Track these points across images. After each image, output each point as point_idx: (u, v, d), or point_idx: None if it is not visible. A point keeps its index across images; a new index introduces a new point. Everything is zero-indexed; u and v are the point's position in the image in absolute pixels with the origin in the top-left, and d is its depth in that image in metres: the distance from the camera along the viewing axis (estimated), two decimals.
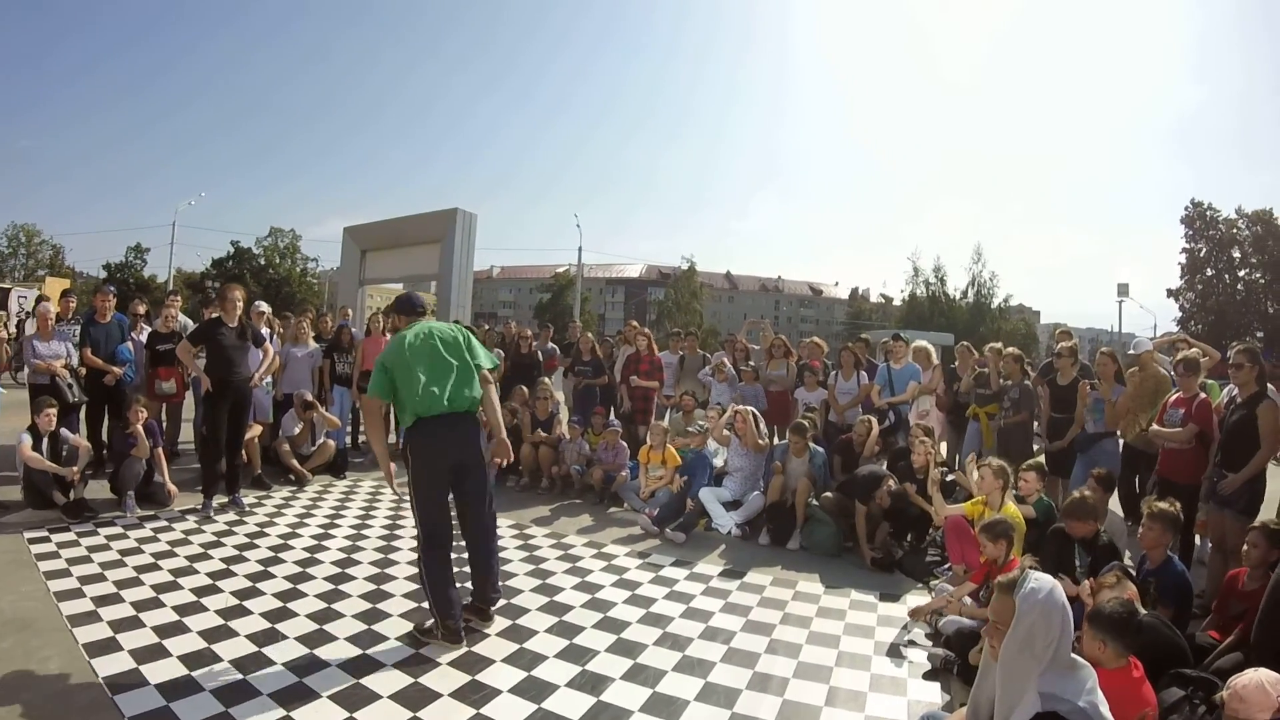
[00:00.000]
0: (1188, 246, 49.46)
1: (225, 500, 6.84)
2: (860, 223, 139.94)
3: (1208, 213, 48.87)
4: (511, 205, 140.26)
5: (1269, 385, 5.36)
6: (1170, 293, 50.19)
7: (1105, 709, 2.50)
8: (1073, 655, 2.60)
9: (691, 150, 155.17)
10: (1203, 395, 5.85)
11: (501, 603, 4.85)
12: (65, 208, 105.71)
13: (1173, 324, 47.54)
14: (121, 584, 4.86)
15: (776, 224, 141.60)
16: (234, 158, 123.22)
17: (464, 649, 4.21)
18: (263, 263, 55.85)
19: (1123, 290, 46.24)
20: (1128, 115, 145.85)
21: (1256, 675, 2.78)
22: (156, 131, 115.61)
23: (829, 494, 6.74)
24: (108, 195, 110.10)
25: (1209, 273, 48.65)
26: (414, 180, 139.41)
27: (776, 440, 8.22)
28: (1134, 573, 4.33)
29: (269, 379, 8.58)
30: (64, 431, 6.64)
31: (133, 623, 4.30)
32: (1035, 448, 7.71)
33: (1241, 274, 48.21)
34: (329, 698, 3.63)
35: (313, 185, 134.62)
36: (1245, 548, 4.28)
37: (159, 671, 3.75)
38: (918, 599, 5.32)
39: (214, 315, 7.09)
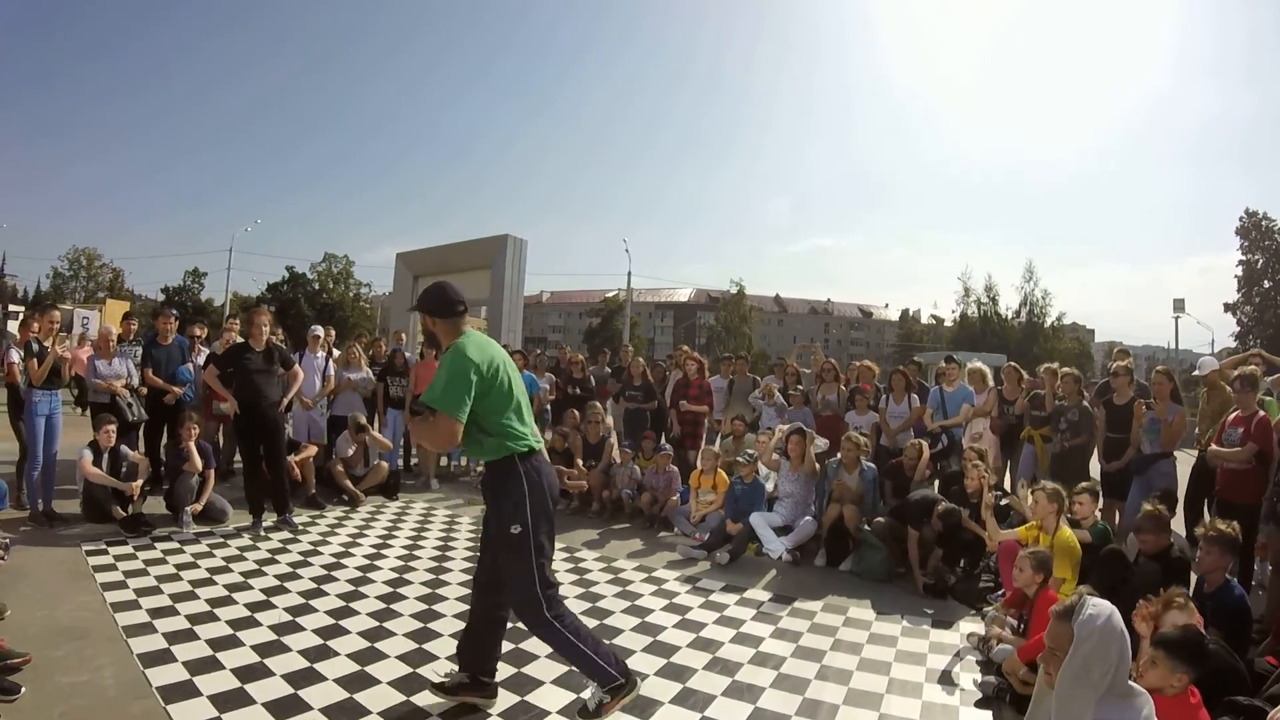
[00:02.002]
0: (1244, 258, 47.82)
1: (276, 519, 6.95)
2: (909, 241, 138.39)
3: (1263, 223, 47.24)
4: (558, 228, 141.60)
5: None
6: (1227, 307, 48.47)
7: None
8: (1130, 683, 2.52)
9: (736, 173, 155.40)
10: (1261, 413, 5.66)
11: None
12: (117, 228, 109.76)
13: (1231, 339, 45.91)
14: (177, 597, 4.95)
15: (825, 247, 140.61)
16: (287, 184, 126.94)
17: (515, 670, 4.19)
18: (317, 287, 57.00)
19: (1178, 306, 44.42)
20: (1177, 121, 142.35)
21: None
22: (210, 153, 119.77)
23: (880, 519, 6.63)
24: (158, 217, 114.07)
25: (1266, 285, 46.89)
26: (462, 204, 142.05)
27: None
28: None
29: (325, 400, 8.76)
30: (123, 448, 6.82)
31: (187, 635, 4.36)
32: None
33: None
34: (379, 714, 3.64)
35: (364, 210, 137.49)
36: None
37: (212, 683, 3.79)
38: (970, 625, 5.20)
39: (239, 341, 7.23)
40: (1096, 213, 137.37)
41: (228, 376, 6.86)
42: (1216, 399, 6.64)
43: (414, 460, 10.36)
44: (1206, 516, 6.08)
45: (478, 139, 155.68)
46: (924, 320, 76.21)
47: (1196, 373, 7.08)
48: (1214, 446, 5.89)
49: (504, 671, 4.03)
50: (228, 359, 6.94)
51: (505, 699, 3.83)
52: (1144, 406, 6.76)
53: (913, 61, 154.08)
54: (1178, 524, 5.75)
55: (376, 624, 4.81)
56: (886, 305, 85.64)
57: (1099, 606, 2.54)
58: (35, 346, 6.52)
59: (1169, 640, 2.92)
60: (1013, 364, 8.83)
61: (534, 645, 4.32)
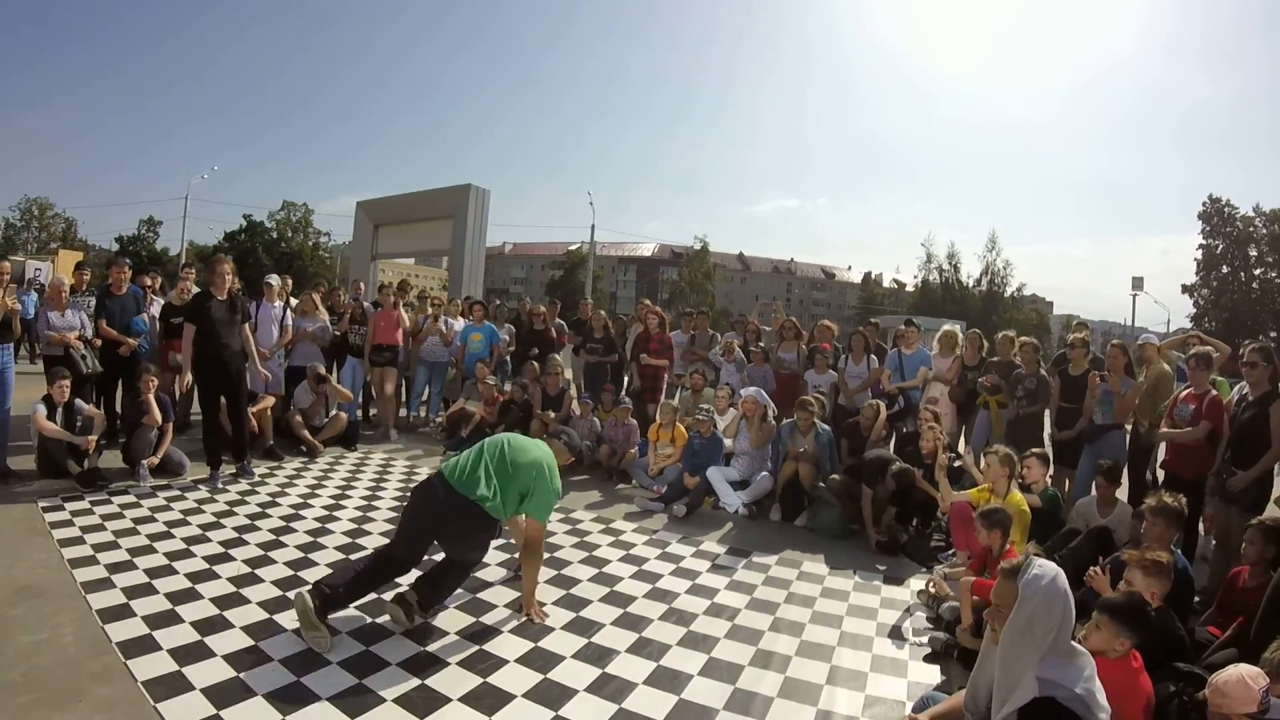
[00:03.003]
0: (1204, 242, 49.00)
1: (234, 470, 6.93)
2: (873, 206, 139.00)
3: (1225, 209, 48.36)
4: (520, 179, 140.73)
5: None
6: (1185, 288, 49.82)
7: (1102, 697, 2.51)
8: (1073, 643, 2.61)
9: (702, 132, 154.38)
10: (1214, 392, 5.79)
11: (508, 575, 5.02)
12: (70, 178, 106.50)
13: (1186, 320, 47.02)
14: (134, 551, 4.92)
15: (789, 207, 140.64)
16: (244, 130, 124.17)
17: (471, 620, 4.26)
18: (275, 236, 55.98)
19: (1137, 284, 45.31)
20: (1151, 104, 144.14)
21: (1237, 670, 2.77)
22: (161, 101, 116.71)
23: (836, 476, 6.76)
24: (113, 166, 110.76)
25: (1224, 270, 48.24)
26: (422, 153, 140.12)
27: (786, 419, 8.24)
28: None
29: (282, 351, 8.67)
30: (78, 402, 6.69)
31: (146, 589, 4.35)
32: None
33: (1258, 273, 47.80)
34: (339, 665, 3.69)
35: (323, 158, 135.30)
36: (1244, 545, 4.28)
37: (172, 637, 3.80)
38: (921, 583, 5.35)
39: (198, 290, 7.10)
40: (1060, 186, 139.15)
41: (175, 327, 6.72)
42: (1152, 374, 6.81)
43: (373, 411, 10.31)
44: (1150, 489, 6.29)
45: (436, 87, 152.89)
46: (886, 284, 76.71)
47: (1138, 343, 7.20)
48: (1164, 427, 6.05)
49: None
50: (193, 310, 6.79)
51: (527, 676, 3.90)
52: (1098, 378, 6.91)
53: (885, 21, 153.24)
54: (1121, 494, 5.91)
55: None
56: (849, 267, 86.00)
57: (1044, 567, 2.62)
58: None
59: (1113, 605, 3.02)
60: (976, 330, 8.94)
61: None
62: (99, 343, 7.74)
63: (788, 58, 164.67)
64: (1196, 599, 4.67)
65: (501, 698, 3.51)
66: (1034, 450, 5.83)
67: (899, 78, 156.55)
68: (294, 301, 9.44)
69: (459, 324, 10.56)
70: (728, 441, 7.66)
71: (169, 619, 4.01)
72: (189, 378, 6.71)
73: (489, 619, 4.35)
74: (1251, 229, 47.63)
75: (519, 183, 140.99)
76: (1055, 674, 2.49)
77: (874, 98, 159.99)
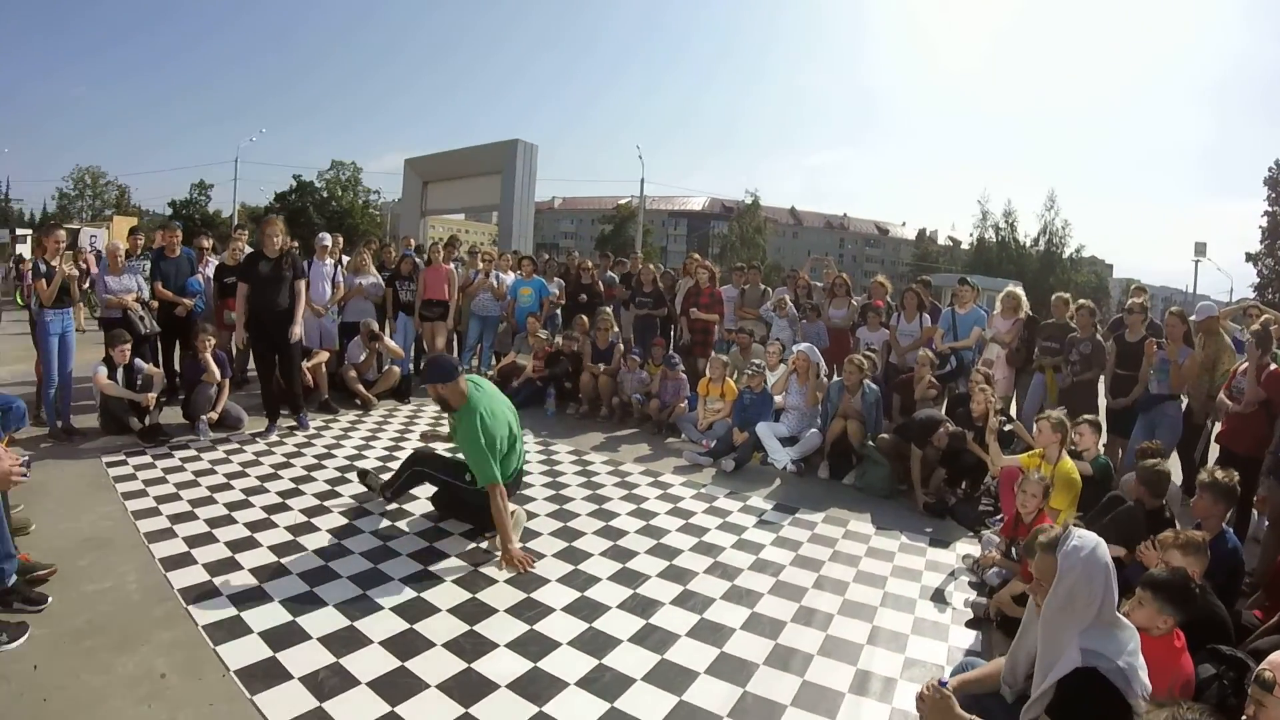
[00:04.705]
0: (1270, 210, 46.35)
1: (291, 423, 7.12)
2: (930, 160, 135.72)
3: None
4: (577, 147, 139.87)
5: None
6: (1249, 257, 47.13)
7: (1144, 674, 2.44)
8: (1117, 614, 2.54)
9: (764, 91, 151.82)
10: (1274, 366, 5.54)
11: (558, 525, 5.13)
12: (129, 153, 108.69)
13: (1249, 289, 44.68)
14: (196, 503, 5.08)
15: (842, 157, 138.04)
16: (301, 106, 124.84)
17: (522, 571, 4.36)
18: (325, 195, 56.61)
19: (1199, 250, 43.34)
20: (1224, 69, 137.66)
21: None
22: (219, 82, 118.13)
23: (885, 435, 6.70)
24: (172, 143, 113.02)
25: None
26: (478, 124, 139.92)
27: (836, 376, 8.16)
28: None
29: (335, 307, 8.82)
30: (138, 362, 6.88)
31: (206, 539, 4.50)
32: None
33: None
34: (391, 609, 3.80)
35: (378, 128, 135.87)
36: None
37: (231, 584, 3.95)
38: (968, 547, 5.31)
39: (250, 250, 7.21)
40: (1124, 149, 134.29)
41: (229, 286, 6.85)
42: (1212, 346, 6.56)
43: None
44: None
45: (493, 56, 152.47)
46: (940, 241, 74.91)
47: (1194, 318, 6.89)
48: (1221, 395, 5.87)
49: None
50: (244, 270, 6.93)
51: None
52: (1155, 345, 6.68)
53: None
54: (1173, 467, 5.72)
55: (389, 523, 4.98)
56: (904, 224, 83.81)
57: (1084, 538, 2.54)
58: (43, 267, 6.52)
59: (1157, 581, 2.93)
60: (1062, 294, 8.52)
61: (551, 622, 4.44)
62: (156, 304, 7.93)
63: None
64: (1247, 579, 4.51)
65: (547, 645, 3.59)
66: (1086, 417, 5.66)
67: (962, 20, 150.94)
68: (345, 259, 9.57)
69: (509, 278, 10.61)
70: (777, 397, 7.63)
71: (229, 566, 4.16)
72: (244, 334, 6.87)
73: (539, 569, 4.43)
74: None
75: (566, 135, 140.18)
76: (1098, 644, 2.42)
77: (936, 40, 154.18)
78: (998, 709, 2.74)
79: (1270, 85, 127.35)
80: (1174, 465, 5.88)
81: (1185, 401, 6.77)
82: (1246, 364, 5.71)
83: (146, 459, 5.99)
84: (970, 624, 4.20)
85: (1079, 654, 2.41)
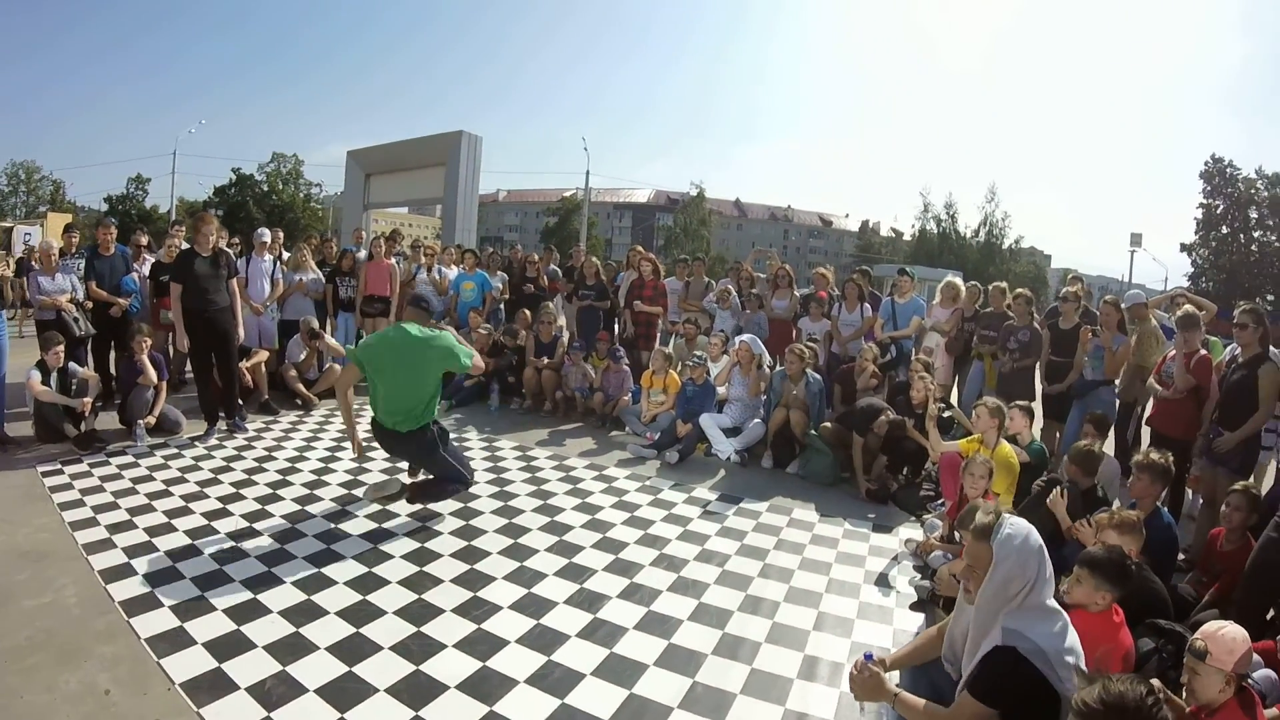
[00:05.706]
0: (1205, 202, 47.89)
1: (229, 425, 7.00)
2: (871, 153, 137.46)
3: (1227, 170, 47.25)
4: (510, 118, 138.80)
5: (1271, 348, 5.34)
6: (1184, 247, 48.64)
7: (1073, 656, 2.49)
8: (1049, 602, 2.58)
9: (694, 71, 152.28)
10: (1203, 352, 5.80)
11: (503, 522, 5.14)
12: (65, 148, 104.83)
13: (1184, 279, 46.09)
14: (134, 511, 4.98)
15: (785, 150, 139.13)
16: (242, 96, 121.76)
17: (468, 568, 4.36)
18: (266, 189, 55.24)
19: (1135, 240, 44.90)
20: (1168, 65, 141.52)
21: (1233, 625, 2.70)
22: (161, 73, 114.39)
23: (828, 424, 6.82)
24: (110, 136, 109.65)
25: (1224, 231, 46.98)
26: (411, 91, 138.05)
27: (779, 366, 8.26)
28: None
29: (274, 304, 8.68)
30: (72, 365, 6.67)
31: (146, 548, 4.42)
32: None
33: (1257, 235, 46.54)
34: (336, 614, 3.78)
35: (323, 119, 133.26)
36: (1225, 509, 4.30)
37: (173, 593, 3.89)
38: (910, 531, 5.44)
39: (186, 247, 7.07)
40: (1065, 141, 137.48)
41: (165, 285, 6.70)
42: (1142, 334, 6.83)
43: None
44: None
45: (426, 22, 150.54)
46: (883, 233, 75.86)
47: (1124, 305, 7.13)
48: (1152, 380, 6.10)
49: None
50: (178, 268, 6.76)
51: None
52: (1090, 333, 6.91)
53: None
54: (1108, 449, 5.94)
55: (332, 525, 4.94)
56: (847, 215, 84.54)
57: (1016, 525, 2.61)
58: None
59: (1094, 559, 3.05)
60: (975, 283, 8.83)
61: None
62: (90, 305, 7.71)
63: None
64: (1181, 556, 4.72)
65: (495, 643, 3.61)
66: (1018, 403, 5.83)
67: (904, 20, 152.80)
68: (285, 256, 9.42)
69: (452, 272, 10.54)
70: (720, 389, 7.71)
71: (170, 575, 4.09)
72: (185, 339, 6.69)
73: (483, 567, 4.44)
74: (1253, 191, 46.66)
75: (511, 127, 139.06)
76: (1021, 625, 2.50)
77: (877, 40, 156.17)
78: (945, 684, 2.83)
79: (1212, 83, 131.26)
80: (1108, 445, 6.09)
81: (1119, 386, 7.00)
82: (1174, 351, 5.94)
83: (83, 467, 5.85)
84: (914, 606, 4.32)
85: (1000, 632, 2.51)
